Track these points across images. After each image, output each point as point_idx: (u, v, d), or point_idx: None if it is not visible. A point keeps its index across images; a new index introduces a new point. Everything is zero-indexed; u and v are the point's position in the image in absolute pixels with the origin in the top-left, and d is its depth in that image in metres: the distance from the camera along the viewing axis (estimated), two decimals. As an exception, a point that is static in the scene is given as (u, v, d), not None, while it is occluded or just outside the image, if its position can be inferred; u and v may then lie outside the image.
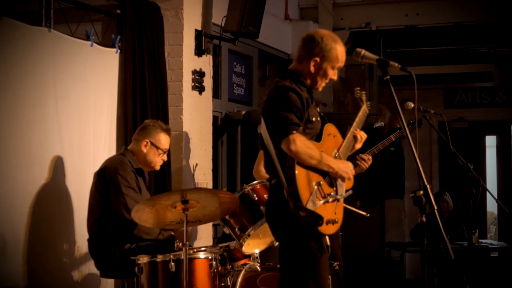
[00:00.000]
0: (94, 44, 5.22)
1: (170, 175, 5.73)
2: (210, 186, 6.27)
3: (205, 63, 6.22)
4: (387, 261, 8.59)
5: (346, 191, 3.67)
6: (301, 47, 3.68)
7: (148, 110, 5.58)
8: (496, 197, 7.51)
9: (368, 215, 5.11)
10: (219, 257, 4.27)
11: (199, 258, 4.18)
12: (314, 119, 3.62)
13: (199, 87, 6.10)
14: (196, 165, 6.03)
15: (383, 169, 8.05)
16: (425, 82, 9.43)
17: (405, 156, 8.91)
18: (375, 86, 8.11)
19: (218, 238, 6.56)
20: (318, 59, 3.61)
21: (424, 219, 2.87)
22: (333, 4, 8.63)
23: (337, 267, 4.80)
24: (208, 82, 6.24)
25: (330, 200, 3.52)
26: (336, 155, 3.69)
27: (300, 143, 3.39)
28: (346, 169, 3.60)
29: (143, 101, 5.58)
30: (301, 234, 3.47)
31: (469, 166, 5.24)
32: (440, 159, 10.56)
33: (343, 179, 3.60)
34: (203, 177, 6.16)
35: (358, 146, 4.00)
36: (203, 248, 4.32)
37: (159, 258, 4.16)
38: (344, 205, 5.19)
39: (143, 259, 4.19)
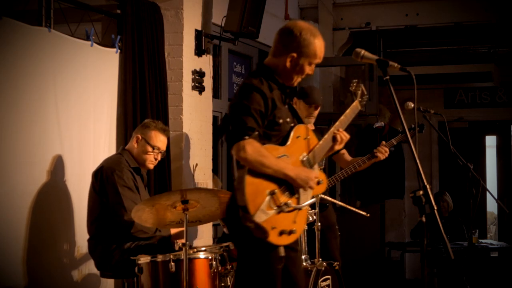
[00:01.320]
0: (94, 44, 5.22)
1: (170, 175, 5.73)
2: (210, 186, 6.27)
3: (205, 63, 6.22)
4: (387, 261, 8.59)
5: (310, 199, 3.44)
6: (278, 40, 3.45)
7: (148, 110, 5.58)
8: (496, 197, 7.51)
9: (368, 215, 5.11)
10: (219, 257, 4.27)
11: (199, 258, 4.18)
12: (281, 120, 3.39)
13: (199, 87, 6.10)
14: (196, 165, 6.03)
15: (383, 169, 8.05)
16: (425, 82, 9.43)
17: (405, 156, 8.91)
18: (375, 86, 8.11)
19: (218, 238, 6.56)
20: (295, 54, 3.40)
21: (424, 219, 2.87)
22: (333, 4, 8.64)
23: (337, 267, 4.81)
24: (208, 82, 6.24)
25: (286, 209, 3.28)
26: (304, 159, 3.45)
27: (250, 150, 3.18)
28: (307, 177, 3.33)
29: (143, 101, 5.58)
30: (253, 244, 3.30)
31: (469, 166, 5.24)
32: (440, 159, 10.57)
33: (302, 188, 3.35)
34: (203, 177, 6.16)
35: (338, 147, 3.66)
36: (203, 248, 4.32)
37: (159, 258, 4.16)
38: (344, 205, 5.26)
39: (143, 259, 4.19)
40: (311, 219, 4.58)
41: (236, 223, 3.32)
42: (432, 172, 10.49)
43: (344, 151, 5.69)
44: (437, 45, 9.75)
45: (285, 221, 3.31)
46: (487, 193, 5.72)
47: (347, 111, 3.73)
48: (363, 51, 3.15)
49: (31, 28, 4.68)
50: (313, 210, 4.62)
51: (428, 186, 2.85)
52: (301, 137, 3.46)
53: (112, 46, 5.45)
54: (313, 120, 5.57)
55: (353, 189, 8.49)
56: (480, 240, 8.24)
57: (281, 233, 3.28)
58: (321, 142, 3.55)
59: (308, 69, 3.47)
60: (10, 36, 4.47)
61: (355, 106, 3.77)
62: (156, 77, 5.69)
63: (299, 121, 3.54)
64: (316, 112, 5.51)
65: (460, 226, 8.31)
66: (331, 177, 5.52)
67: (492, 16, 8.21)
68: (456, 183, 9.40)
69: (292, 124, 3.46)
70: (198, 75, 6.10)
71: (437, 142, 10.42)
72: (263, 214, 3.20)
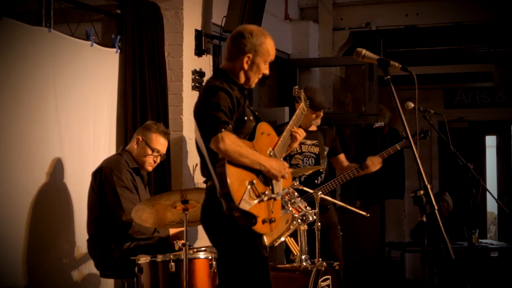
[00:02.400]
0: (94, 44, 5.22)
1: (170, 175, 5.73)
2: (209, 186, 6.26)
3: (205, 63, 6.22)
4: (387, 261, 8.59)
5: (284, 189, 3.60)
6: (231, 44, 3.61)
7: (148, 110, 5.58)
8: (496, 197, 7.51)
9: (368, 215, 5.11)
10: (219, 257, 4.27)
11: (199, 258, 4.18)
12: (246, 118, 3.55)
13: (199, 87, 6.10)
14: (196, 165, 6.03)
15: (383, 169, 8.04)
16: (425, 82, 9.43)
17: (405, 156, 8.91)
18: (375, 86, 8.11)
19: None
20: (250, 55, 3.56)
21: (424, 219, 2.87)
22: (333, 4, 8.64)
23: (337, 267, 4.80)
24: (208, 82, 6.23)
25: (265, 199, 3.44)
26: (271, 153, 3.61)
27: (229, 141, 3.30)
28: (279, 167, 3.49)
29: (143, 101, 5.58)
30: (236, 236, 3.40)
31: (469, 166, 5.24)
32: (440, 159, 10.57)
33: (275, 177, 3.50)
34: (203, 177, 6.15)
35: (295, 145, 3.93)
36: (203, 248, 4.32)
37: (159, 258, 4.16)
38: (344, 205, 5.26)
39: (143, 259, 4.19)
40: (311, 219, 4.58)
41: (216, 218, 3.43)
42: (432, 172, 10.49)
43: (342, 155, 5.74)
44: (437, 45, 9.75)
45: (265, 210, 3.44)
46: (487, 193, 5.71)
47: (297, 111, 4.02)
48: (364, 51, 3.15)
49: (31, 28, 4.68)
50: (313, 210, 4.62)
51: (428, 186, 2.85)
52: (265, 133, 3.63)
53: (112, 46, 5.45)
54: (319, 121, 5.61)
55: (353, 189, 8.50)
56: (480, 240, 8.24)
57: (264, 221, 3.41)
58: (281, 138, 3.74)
59: (264, 68, 3.63)
60: (10, 36, 4.47)
61: (302, 108, 4.06)
62: (156, 77, 5.69)
63: (258, 119, 3.68)
64: (321, 114, 5.57)
65: (460, 226, 8.31)
66: (328, 182, 5.54)
67: (492, 16, 8.21)
68: (456, 183, 9.39)
69: (254, 123, 3.61)
70: (198, 75, 6.10)
71: (437, 142, 10.42)
72: (246, 204, 3.32)
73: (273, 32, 7.96)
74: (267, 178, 3.49)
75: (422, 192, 2.85)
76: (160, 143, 4.73)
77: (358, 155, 7.04)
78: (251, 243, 3.44)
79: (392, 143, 5.75)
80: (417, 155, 2.90)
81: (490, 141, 11.01)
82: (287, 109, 7.42)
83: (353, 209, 5.20)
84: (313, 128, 5.62)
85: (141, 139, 4.70)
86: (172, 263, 4.07)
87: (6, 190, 4.44)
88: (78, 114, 5.08)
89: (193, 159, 6.02)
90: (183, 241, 4.03)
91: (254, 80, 3.66)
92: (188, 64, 6.00)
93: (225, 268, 3.52)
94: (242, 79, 3.62)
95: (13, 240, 4.52)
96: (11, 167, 4.48)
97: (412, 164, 8.97)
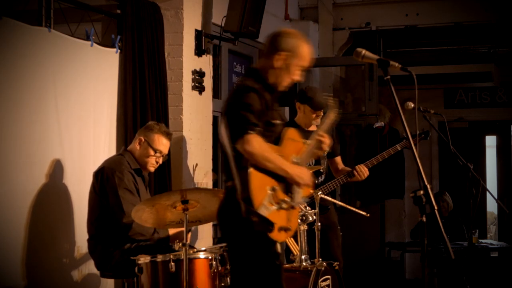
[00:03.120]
0: (94, 44, 5.22)
1: (170, 175, 5.73)
2: (210, 186, 6.27)
3: (205, 63, 6.22)
4: (387, 261, 8.59)
5: (303, 198, 3.56)
6: (268, 41, 3.58)
7: (148, 110, 5.58)
8: (496, 197, 7.51)
9: (368, 215, 5.11)
10: (219, 257, 4.27)
11: (199, 258, 4.18)
12: (274, 121, 3.51)
13: (199, 87, 6.10)
14: (196, 165, 6.03)
15: (383, 169, 8.05)
16: (425, 82, 9.42)
17: (405, 156, 8.91)
18: (375, 86, 8.11)
19: (218, 238, 6.56)
20: (284, 53, 3.51)
21: (424, 219, 2.87)
22: (333, 4, 8.64)
23: (337, 267, 4.80)
24: (208, 82, 6.24)
25: (284, 206, 3.40)
26: (295, 160, 3.56)
27: (256, 144, 3.27)
28: (302, 175, 3.46)
29: (143, 101, 5.58)
30: (252, 240, 3.37)
31: (469, 166, 5.24)
32: (440, 159, 10.56)
33: (298, 185, 3.46)
34: (203, 177, 6.16)
35: (321, 153, 3.89)
36: (203, 248, 4.32)
37: (159, 258, 4.16)
38: (344, 205, 5.26)
39: (143, 259, 4.19)
40: (311, 219, 4.58)
41: (233, 219, 3.39)
42: (432, 172, 10.49)
43: (338, 158, 5.76)
44: (437, 45, 9.74)
45: (282, 218, 3.40)
46: (487, 193, 5.71)
47: (326, 120, 3.93)
48: (364, 51, 3.15)
49: (31, 28, 4.68)
50: (313, 210, 4.62)
51: (428, 186, 2.85)
52: (292, 139, 3.59)
53: (112, 46, 5.45)
54: (319, 121, 5.61)
55: (353, 189, 8.49)
56: (480, 240, 8.24)
57: (280, 229, 3.37)
58: (308, 146, 3.69)
59: (297, 73, 3.58)
60: (10, 36, 4.47)
61: (330, 116, 3.94)
62: (156, 77, 5.69)
63: (286, 124, 3.66)
64: (322, 113, 5.57)
65: (460, 226, 8.30)
66: (328, 182, 5.55)
67: (492, 16, 8.21)
68: (456, 183, 9.39)
69: (281, 127, 3.57)
70: (198, 75, 6.10)
71: (437, 142, 10.42)
72: (265, 209, 3.28)
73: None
74: (288, 185, 3.45)
75: (422, 192, 2.85)
76: (163, 143, 4.73)
77: (358, 155, 7.04)
78: (265, 249, 3.40)
79: (392, 143, 5.76)
80: (417, 156, 2.90)
81: (490, 141, 11.01)
82: (287, 109, 7.42)
83: (353, 209, 5.20)
84: (313, 128, 5.62)
85: (143, 139, 4.70)
86: (172, 263, 4.07)
87: (6, 190, 4.44)
88: (78, 114, 5.08)
89: (193, 159, 6.02)
90: (184, 241, 4.03)
91: (284, 81, 3.58)
92: (188, 64, 6.00)
93: (237, 268, 3.50)
94: (272, 78, 3.55)
95: (13, 240, 4.52)
96: (11, 167, 4.48)
97: (412, 164, 8.96)
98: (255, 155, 3.27)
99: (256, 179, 3.28)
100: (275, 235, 3.34)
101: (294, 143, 3.60)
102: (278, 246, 3.44)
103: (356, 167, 5.48)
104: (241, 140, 3.27)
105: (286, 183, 3.44)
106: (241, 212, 3.28)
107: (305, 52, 3.56)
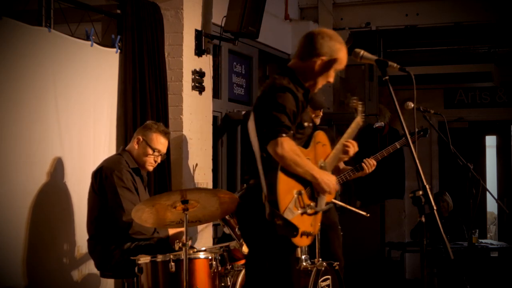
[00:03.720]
0: (94, 44, 5.22)
1: (170, 175, 5.73)
2: (210, 186, 6.27)
3: (205, 63, 6.22)
4: (387, 261, 8.59)
5: (326, 203, 3.52)
6: (307, 43, 3.48)
7: (148, 110, 5.58)
8: (496, 197, 7.51)
9: (368, 215, 5.12)
10: (219, 257, 4.27)
11: (199, 258, 4.18)
12: (306, 124, 3.47)
13: (199, 87, 6.10)
14: (196, 165, 6.03)
15: (383, 169, 8.04)
16: (425, 82, 9.42)
17: (405, 156, 8.91)
18: (375, 86, 8.12)
19: (218, 238, 6.56)
20: (325, 58, 3.44)
21: (423, 219, 2.87)
22: (333, 4, 8.64)
23: (337, 267, 4.81)
24: (208, 82, 6.24)
25: (309, 211, 3.36)
26: (322, 164, 3.53)
27: (287, 147, 3.23)
28: (329, 182, 3.41)
29: (143, 101, 5.58)
30: (272, 242, 3.33)
31: (469, 166, 5.24)
32: (440, 159, 10.56)
33: (323, 191, 3.42)
34: (203, 177, 6.16)
35: (346, 158, 3.85)
36: (203, 248, 4.32)
37: (159, 258, 4.16)
38: (344, 205, 5.26)
39: (143, 259, 4.19)
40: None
41: (255, 221, 3.35)
42: (432, 172, 10.48)
43: None
44: (437, 45, 9.74)
45: (306, 223, 3.36)
46: (487, 193, 5.71)
47: (352, 124, 3.88)
48: (362, 51, 3.15)
49: (31, 28, 4.68)
50: (313, 210, 4.61)
51: (427, 186, 2.85)
52: (321, 143, 3.55)
53: (112, 46, 5.46)
54: (318, 121, 5.61)
55: (353, 189, 8.49)
56: (480, 240, 8.24)
57: (302, 234, 3.32)
58: (334, 151, 3.64)
59: (332, 75, 3.54)
60: (10, 36, 4.47)
61: (357, 122, 3.91)
62: (156, 77, 5.69)
63: (315, 125, 3.63)
64: (321, 113, 5.57)
65: (460, 226, 8.30)
66: None
67: (492, 16, 8.21)
68: (456, 183, 9.39)
69: (311, 130, 3.52)
70: (198, 75, 6.10)
71: (437, 142, 10.42)
72: (290, 213, 3.25)
73: (273, 32, 8.02)
74: (314, 190, 3.41)
75: (421, 192, 2.85)
76: (161, 142, 4.73)
77: (358, 155, 7.01)
78: (286, 253, 3.37)
79: (392, 143, 5.75)
80: (415, 154, 2.90)
81: (490, 141, 11.00)
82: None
83: (353, 209, 5.20)
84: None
85: (141, 139, 4.70)
86: (172, 263, 4.07)
87: (6, 190, 4.45)
88: (78, 114, 5.08)
89: (193, 159, 6.02)
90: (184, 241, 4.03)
91: (319, 85, 3.55)
92: (188, 64, 6.00)
93: (254, 268, 3.46)
94: (308, 81, 3.50)
95: (13, 240, 4.52)
96: (11, 167, 4.48)
97: (412, 164, 8.96)
98: (286, 159, 3.23)
99: (283, 182, 3.25)
100: (298, 240, 3.31)
101: (322, 147, 3.56)
102: (299, 251, 3.42)
103: (365, 160, 5.44)
104: (274, 142, 3.23)
105: (312, 188, 3.41)
106: (264, 214, 3.23)
107: (345, 56, 3.51)
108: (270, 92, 3.39)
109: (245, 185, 3.61)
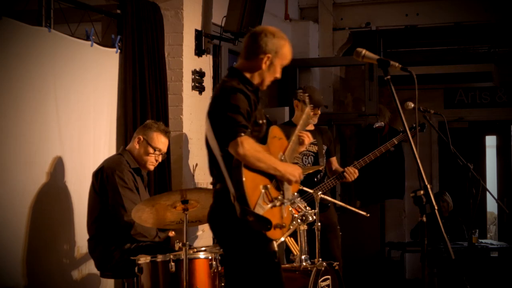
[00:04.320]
0: (94, 44, 5.22)
1: (170, 175, 5.73)
2: (210, 186, 6.26)
3: (205, 63, 6.22)
4: (387, 261, 8.58)
5: (294, 195, 3.60)
6: (250, 42, 3.56)
7: (148, 110, 5.58)
8: (496, 197, 7.51)
9: (368, 215, 5.11)
10: (219, 257, 4.27)
11: (199, 258, 4.18)
12: (261, 121, 3.52)
13: (199, 87, 6.10)
14: (196, 165, 6.03)
15: (383, 169, 8.05)
16: (425, 82, 9.43)
17: (405, 156, 8.91)
18: (375, 86, 8.10)
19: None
20: (270, 55, 3.51)
21: (424, 219, 2.87)
22: (333, 4, 8.64)
23: (337, 267, 4.80)
24: (208, 82, 6.24)
25: (278, 204, 3.41)
26: (282, 158, 3.58)
27: (248, 146, 3.26)
28: (294, 172, 3.47)
29: (143, 101, 5.58)
30: (248, 240, 3.37)
31: (469, 166, 5.24)
32: (440, 159, 10.57)
33: (290, 182, 3.48)
34: (203, 177, 6.16)
35: (302, 148, 3.98)
36: (203, 248, 4.32)
37: (159, 258, 4.16)
38: (344, 205, 5.26)
39: (143, 259, 4.19)
40: (311, 219, 4.58)
41: (228, 224, 3.39)
42: (432, 172, 10.49)
43: (333, 158, 5.80)
44: (437, 45, 9.75)
45: (276, 216, 3.40)
46: (487, 193, 5.71)
47: (303, 116, 4.07)
48: (364, 51, 3.15)
49: (31, 28, 4.68)
50: (313, 210, 4.62)
51: (428, 186, 2.85)
52: (277, 137, 3.60)
53: (112, 46, 5.45)
54: (316, 120, 5.61)
55: (353, 189, 8.49)
56: (480, 240, 8.24)
57: (275, 227, 3.37)
58: (291, 143, 3.71)
59: (279, 71, 3.59)
60: (10, 36, 4.47)
61: (308, 112, 4.10)
62: (156, 77, 5.69)
63: (269, 123, 3.65)
64: (319, 112, 5.58)
65: (460, 226, 8.30)
66: (327, 180, 5.58)
67: (492, 16, 8.21)
68: (456, 183, 9.39)
69: (266, 126, 3.58)
70: (198, 75, 6.10)
71: (437, 142, 10.43)
72: (261, 208, 3.28)
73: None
74: (279, 182, 3.46)
75: (422, 192, 2.85)
76: (161, 141, 4.73)
77: (358, 155, 7.00)
78: (263, 248, 3.41)
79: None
80: (415, 149, 2.90)
81: (490, 141, 11.01)
82: (287, 109, 7.41)
83: (353, 209, 5.20)
84: (310, 127, 5.62)
85: (142, 138, 4.70)
86: (172, 263, 4.07)
87: (6, 190, 4.44)
88: (78, 114, 5.08)
89: (193, 159, 6.02)
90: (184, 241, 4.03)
91: (268, 82, 3.60)
92: (188, 64, 6.00)
93: (234, 271, 3.48)
94: (257, 79, 3.55)
95: (13, 240, 4.52)
96: (11, 167, 4.48)
97: (412, 164, 8.96)
98: (248, 157, 3.27)
99: (249, 179, 3.28)
100: (271, 233, 3.35)
101: (279, 141, 3.62)
102: (275, 244, 3.46)
103: (346, 168, 5.55)
104: (234, 142, 3.27)
105: (277, 181, 3.46)
106: (235, 214, 3.26)
107: (288, 51, 3.59)
108: (222, 95, 3.45)
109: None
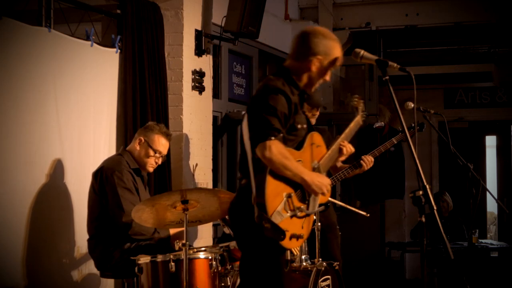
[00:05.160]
0: (94, 44, 5.22)
1: (170, 175, 5.73)
2: (210, 186, 6.27)
3: (205, 63, 6.22)
4: (387, 261, 8.59)
5: (320, 205, 3.50)
6: (301, 42, 3.45)
7: (148, 110, 5.58)
8: (496, 197, 7.51)
9: (368, 215, 5.11)
10: (219, 257, 4.27)
11: (199, 258, 4.18)
12: (299, 126, 3.43)
13: (199, 87, 6.10)
14: (196, 165, 6.03)
15: (383, 169, 8.05)
16: (425, 82, 9.43)
17: (405, 156, 8.91)
18: (375, 86, 8.12)
19: (218, 238, 6.56)
20: (321, 57, 3.41)
21: (423, 219, 2.87)
22: (333, 4, 8.64)
23: (337, 267, 4.81)
24: (208, 82, 6.24)
25: (299, 214, 3.33)
26: (315, 166, 3.49)
27: (276, 151, 3.20)
28: (321, 184, 3.37)
29: (143, 101, 5.58)
30: (263, 242, 3.30)
31: (469, 166, 5.24)
32: (440, 159, 10.56)
33: (315, 193, 3.39)
34: (203, 177, 6.16)
35: (342, 159, 3.86)
36: (203, 248, 4.32)
37: (159, 258, 4.16)
38: (344, 205, 5.26)
39: (143, 259, 4.19)
40: (311, 219, 4.57)
41: (245, 222, 3.34)
42: (432, 172, 10.49)
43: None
44: (437, 45, 9.74)
45: (296, 226, 3.34)
46: (487, 193, 5.71)
47: (351, 124, 3.84)
48: (362, 51, 3.15)
49: (31, 28, 4.68)
50: (313, 210, 4.61)
51: (427, 186, 2.85)
52: (315, 144, 3.52)
53: (112, 46, 5.45)
54: (314, 120, 5.60)
55: (353, 189, 8.49)
56: (480, 240, 8.24)
57: (292, 237, 3.31)
58: (329, 152, 3.60)
59: (329, 73, 3.50)
60: (10, 36, 4.47)
61: (357, 121, 3.88)
62: (156, 77, 5.69)
63: (310, 127, 3.59)
64: (318, 113, 5.55)
65: (460, 226, 8.31)
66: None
67: (492, 16, 8.21)
68: (456, 183, 9.39)
69: (305, 131, 3.49)
70: (198, 75, 6.10)
71: (437, 142, 10.42)
72: (279, 216, 3.23)
73: (273, 32, 8.01)
74: (305, 192, 3.39)
75: (421, 192, 2.85)
76: (162, 144, 4.73)
77: (358, 155, 7.00)
78: (275, 254, 3.36)
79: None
80: (413, 149, 2.90)
81: (490, 141, 11.01)
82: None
83: (353, 209, 5.20)
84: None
85: (143, 140, 4.70)
86: (172, 263, 4.07)
87: (6, 190, 4.44)
88: (78, 114, 5.08)
89: (193, 159, 6.02)
90: (183, 241, 4.02)
91: (316, 84, 3.50)
92: (188, 64, 6.00)
93: (247, 270, 3.45)
94: (305, 81, 3.46)
95: (13, 240, 4.52)
96: (11, 167, 4.48)
97: (412, 164, 8.96)
98: (274, 163, 3.21)
99: (272, 185, 3.23)
100: (286, 243, 3.29)
101: (317, 148, 3.52)
102: (288, 254, 3.43)
103: (363, 157, 5.44)
104: (262, 145, 3.21)
105: (303, 190, 3.38)
106: (253, 216, 3.22)
107: (339, 53, 3.49)
108: (263, 93, 3.36)
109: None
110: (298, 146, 3.43)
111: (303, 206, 3.37)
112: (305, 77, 3.46)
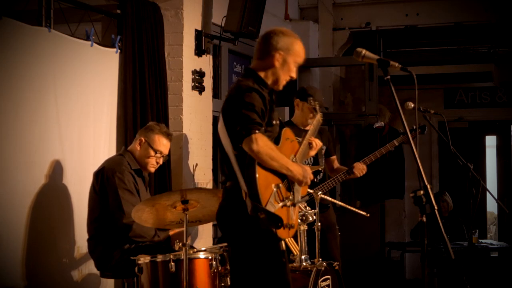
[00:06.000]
0: (94, 44, 5.22)
1: (170, 175, 5.73)
2: (210, 186, 6.27)
3: (205, 63, 6.22)
4: (387, 261, 8.59)
5: (302, 197, 3.62)
6: (262, 42, 3.60)
7: (148, 110, 5.58)
8: (496, 197, 7.51)
9: (368, 215, 5.12)
10: (219, 257, 4.27)
11: (199, 258, 4.18)
12: (274, 122, 3.55)
13: (199, 87, 6.10)
14: (196, 165, 6.03)
15: (383, 169, 8.05)
16: (425, 82, 9.43)
17: (405, 156, 8.91)
18: (375, 86, 8.10)
19: (218, 238, 6.56)
20: (282, 52, 3.54)
21: (424, 219, 2.87)
22: (333, 4, 8.64)
23: (337, 267, 4.81)
24: (208, 82, 6.24)
25: (288, 204, 3.46)
26: (294, 159, 3.63)
27: (262, 143, 3.30)
28: (305, 173, 3.52)
29: (143, 101, 5.58)
30: (257, 239, 3.39)
31: (469, 166, 5.24)
32: (440, 159, 10.57)
33: (300, 183, 3.52)
34: (203, 177, 6.16)
35: (312, 153, 4.17)
36: (203, 248, 4.32)
37: (159, 258, 4.16)
38: (344, 205, 5.27)
39: (143, 259, 4.19)
40: (311, 219, 4.58)
41: (237, 220, 3.40)
42: (432, 172, 10.49)
43: (334, 157, 5.80)
44: (437, 45, 9.75)
45: (286, 215, 3.43)
46: (487, 193, 5.71)
47: (314, 122, 4.32)
48: (364, 51, 3.15)
49: (31, 28, 4.68)
50: (313, 210, 4.62)
51: (428, 186, 2.85)
52: (289, 139, 3.65)
53: (112, 46, 5.45)
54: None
55: (353, 189, 8.49)
56: (480, 240, 8.24)
57: (285, 226, 3.40)
58: (302, 146, 3.80)
59: (293, 70, 3.61)
60: (10, 36, 4.47)
61: (318, 119, 4.35)
62: (156, 77, 5.69)
63: (282, 125, 3.69)
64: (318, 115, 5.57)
65: (460, 226, 8.31)
66: (327, 181, 5.58)
67: (492, 16, 8.21)
68: (456, 183, 9.39)
69: (279, 127, 3.61)
70: (198, 75, 6.10)
71: (437, 142, 10.43)
72: (272, 207, 3.32)
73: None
74: (290, 183, 3.51)
75: (422, 192, 2.85)
76: (163, 144, 4.73)
77: (358, 155, 7.01)
78: (271, 247, 3.42)
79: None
80: (415, 151, 2.90)
81: (490, 141, 11.02)
82: (287, 109, 7.42)
83: (353, 209, 5.21)
84: (309, 127, 5.62)
85: (144, 140, 4.70)
86: (172, 263, 4.07)
87: (6, 190, 4.44)
88: (78, 114, 5.08)
89: (193, 159, 6.02)
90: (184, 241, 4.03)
91: (283, 81, 3.62)
92: (188, 64, 6.00)
93: (240, 270, 3.49)
94: (271, 78, 3.59)
95: (13, 240, 4.52)
96: (11, 167, 4.48)
97: (412, 164, 8.96)
98: (262, 154, 3.30)
99: (262, 177, 3.31)
100: (281, 232, 3.37)
101: (291, 144, 3.67)
102: (283, 244, 3.47)
103: (355, 164, 5.56)
104: (248, 139, 3.30)
105: (288, 181, 3.50)
106: (246, 211, 3.28)
107: (300, 48, 3.63)
108: (237, 93, 3.47)
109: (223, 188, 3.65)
110: (276, 141, 3.54)
111: (291, 196, 3.49)
112: (270, 74, 3.59)
